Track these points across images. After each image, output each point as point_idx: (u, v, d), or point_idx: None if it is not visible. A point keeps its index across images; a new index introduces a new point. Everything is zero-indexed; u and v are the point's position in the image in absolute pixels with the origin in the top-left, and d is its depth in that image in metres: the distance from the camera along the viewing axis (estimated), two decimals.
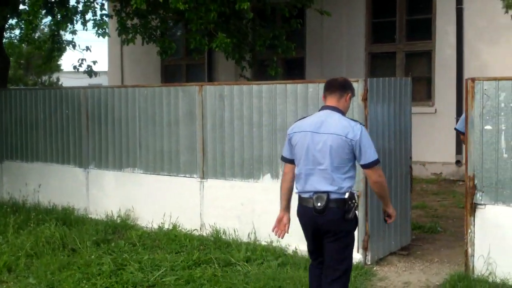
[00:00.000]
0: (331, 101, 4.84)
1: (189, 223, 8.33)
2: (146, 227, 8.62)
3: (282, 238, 5.15)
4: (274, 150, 7.60)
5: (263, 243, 7.58)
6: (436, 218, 9.37)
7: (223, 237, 7.92)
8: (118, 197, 9.12)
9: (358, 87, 6.88)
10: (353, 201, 4.63)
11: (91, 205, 9.49)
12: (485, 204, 6.21)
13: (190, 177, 8.36)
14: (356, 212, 4.71)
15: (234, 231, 7.85)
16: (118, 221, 8.93)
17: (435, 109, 12.61)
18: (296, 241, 7.23)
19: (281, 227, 5.06)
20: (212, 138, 8.11)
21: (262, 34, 11.17)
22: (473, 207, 6.26)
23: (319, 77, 13.42)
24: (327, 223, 4.63)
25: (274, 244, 7.48)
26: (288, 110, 7.46)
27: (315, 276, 4.93)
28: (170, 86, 8.61)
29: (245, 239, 7.74)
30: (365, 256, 7.01)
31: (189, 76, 15.99)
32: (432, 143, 12.48)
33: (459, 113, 12.25)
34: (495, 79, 6.08)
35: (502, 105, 6.03)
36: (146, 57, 15.72)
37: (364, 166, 4.67)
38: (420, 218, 9.34)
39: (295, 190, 4.95)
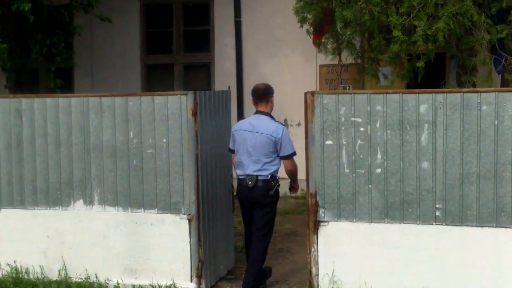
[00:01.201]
0: (261, 107, 6.40)
1: None
2: None
3: None
4: (87, 172, 6.69)
5: (78, 279, 6.63)
6: (241, 236, 9.11)
7: (26, 277, 6.76)
8: None
9: (187, 101, 6.35)
10: (275, 181, 6.25)
11: None
12: (328, 221, 6.08)
13: None
14: (278, 190, 6.38)
15: (41, 269, 6.76)
16: None
17: None
18: (117, 274, 6.50)
19: None
20: (6, 160, 6.90)
21: (39, 41, 9.96)
22: (316, 225, 6.08)
23: (90, 89, 12.58)
24: (256, 196, 6.23)
25: (92, 279, 6.59)
26: (104, 126, 6.62)
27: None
28: None
29: (55, 277, 6.70)
30: (199, 284, 6.46)
31: None
32: None
33: None
34: (335, 93, 6.02)
35: (343, 119, 5.96)
36: None
37: (283, 157, 6.28)
38: None
39: (235, 175, 6.48)
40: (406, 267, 5.91)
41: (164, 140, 6.45)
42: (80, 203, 6.75)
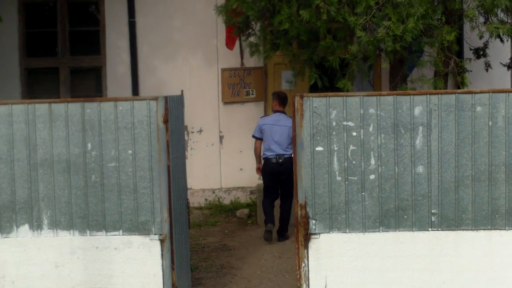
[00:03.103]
0: (281, 108, 8.80)
1: None
2: None
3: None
4: (34, 192, 5.76)
5: None
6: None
7: None
8: None
9: (157, 106, 5.69)
10: None
11: None
12: (319, 233, 5.72)
13: None
14: None
15: None
16: None
17: None
18: None
19: (259, 172, 8.89)
20: None
21: None
22: (307, 238, 5.69)
23: None
24: (284, 169, 8.39)
25: None
26: (56, 137, 5.74)
27: (270, 204, 8.72)
28: None
29: None
30: None
31: None
32: None
33: None
34: (326, 95, 5.64)
35: (334, 123, 5.63)
36: None
37: None
38: None
39: (263, 155, 8.68)
40: (402, 277, 5.71)
41: (130, 152, 5.72)
42: (25, 228, 5.80)
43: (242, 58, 11.38)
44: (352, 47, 6.97)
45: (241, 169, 11.43)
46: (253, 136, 8.81)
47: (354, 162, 5.65)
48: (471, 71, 8.96)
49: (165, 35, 11.48)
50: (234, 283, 7.19)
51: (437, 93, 5.59)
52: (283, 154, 8.42)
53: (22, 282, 5.79)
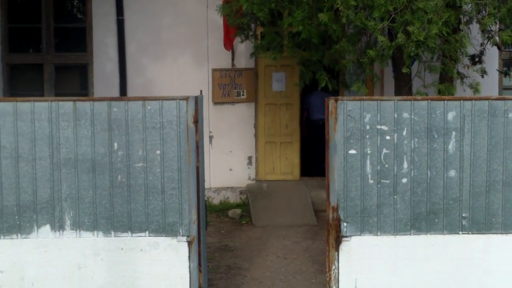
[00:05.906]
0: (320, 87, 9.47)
1: None
2: None
3: None
4: (56, 192, 5.53)
5: None
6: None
7: None
8: None
9: (187, 106, 5.54)
10: None
11: None
12: (350, 236, 5.65)
13: None
14: None
15: None
16: None
17: None
18: None
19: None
20: None
21: None
22: (338, 241, 5.62)
23: None
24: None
25: None
26: (80, 136, 5.52)
27: None
28: None
29: None
30: None
31: None
32: None
33: None
34: (360, 99, 5.58)
35: (368, 127, 5.58)
36: None
37: None
38: None
39: (310, 118, 11.48)
40: (432, 280, 5.69)
41: (158, 152, 5.55)
42: (46, 229, 5.57)
43: (233, 59, 11.28)
44: (370, 51, 6.94)
45: (230, 169, 11.35)
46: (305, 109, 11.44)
47: (386, 166, 5.61)
48: (469, 77, 9.05)
49: (154, 33, 11.26)
50: (247, 284, 7.09)
51: (471, 99, 5.60)
52: (323, 119, 10.96)
53: (42, 283, 5.56)
